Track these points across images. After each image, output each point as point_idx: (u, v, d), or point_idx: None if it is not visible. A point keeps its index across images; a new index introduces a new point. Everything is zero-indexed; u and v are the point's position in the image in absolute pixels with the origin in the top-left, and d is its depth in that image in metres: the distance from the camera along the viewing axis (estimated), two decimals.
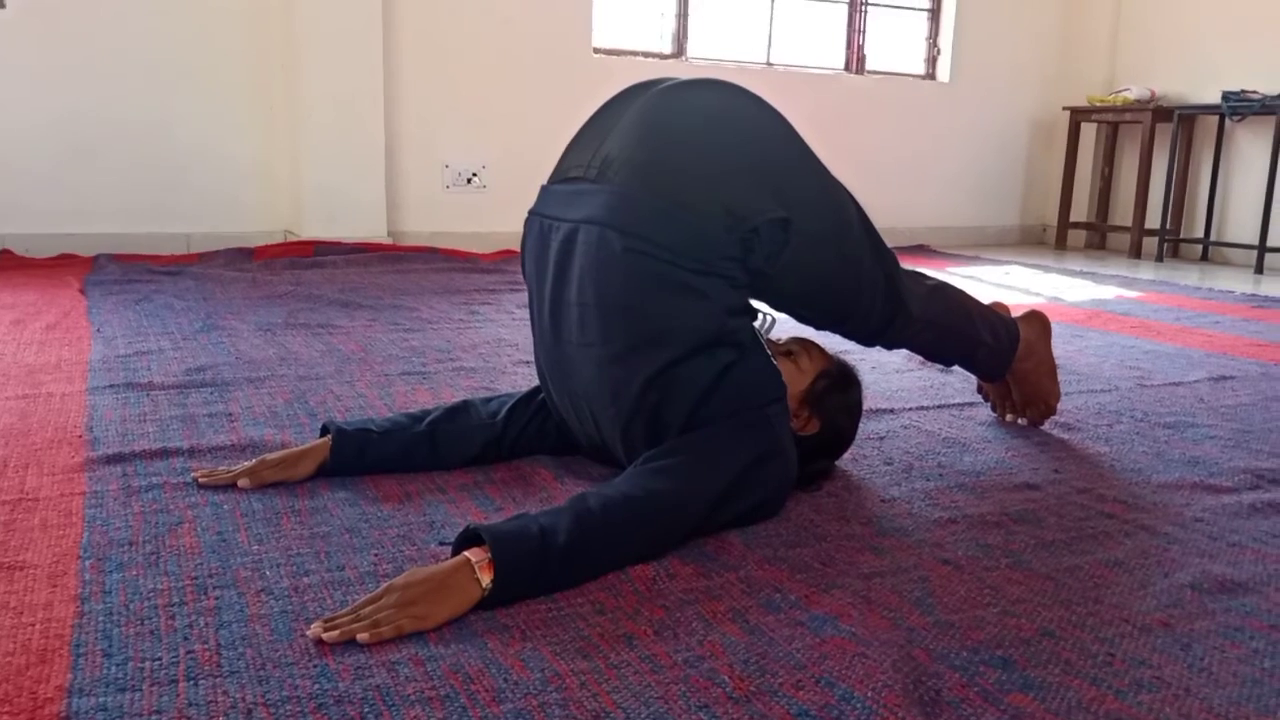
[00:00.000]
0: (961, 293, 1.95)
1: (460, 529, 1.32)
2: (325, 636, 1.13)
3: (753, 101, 1.63)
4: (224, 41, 4.60)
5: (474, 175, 5.10)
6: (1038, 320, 2.08)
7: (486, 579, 1.22)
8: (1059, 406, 2.17)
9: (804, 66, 5.97)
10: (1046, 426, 2.16)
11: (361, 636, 1.13)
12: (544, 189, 1.68)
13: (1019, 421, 2.18)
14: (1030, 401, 2.11)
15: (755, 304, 1.66)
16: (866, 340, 1.79)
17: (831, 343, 1.88)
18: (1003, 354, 2.00)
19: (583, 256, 1.53)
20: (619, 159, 1.53)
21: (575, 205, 1.56)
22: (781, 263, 1.54)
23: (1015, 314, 2.07)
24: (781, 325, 1.78)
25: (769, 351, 1.63)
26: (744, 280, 1.55)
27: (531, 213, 1.67)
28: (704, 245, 1.49)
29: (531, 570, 1.25)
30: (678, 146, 1.54)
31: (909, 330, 1.79)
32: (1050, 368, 2.10)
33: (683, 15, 5.64)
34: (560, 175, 1.65)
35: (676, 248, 1.48)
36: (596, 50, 5.35)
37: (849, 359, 1.85)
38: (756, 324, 1.65)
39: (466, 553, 1.24)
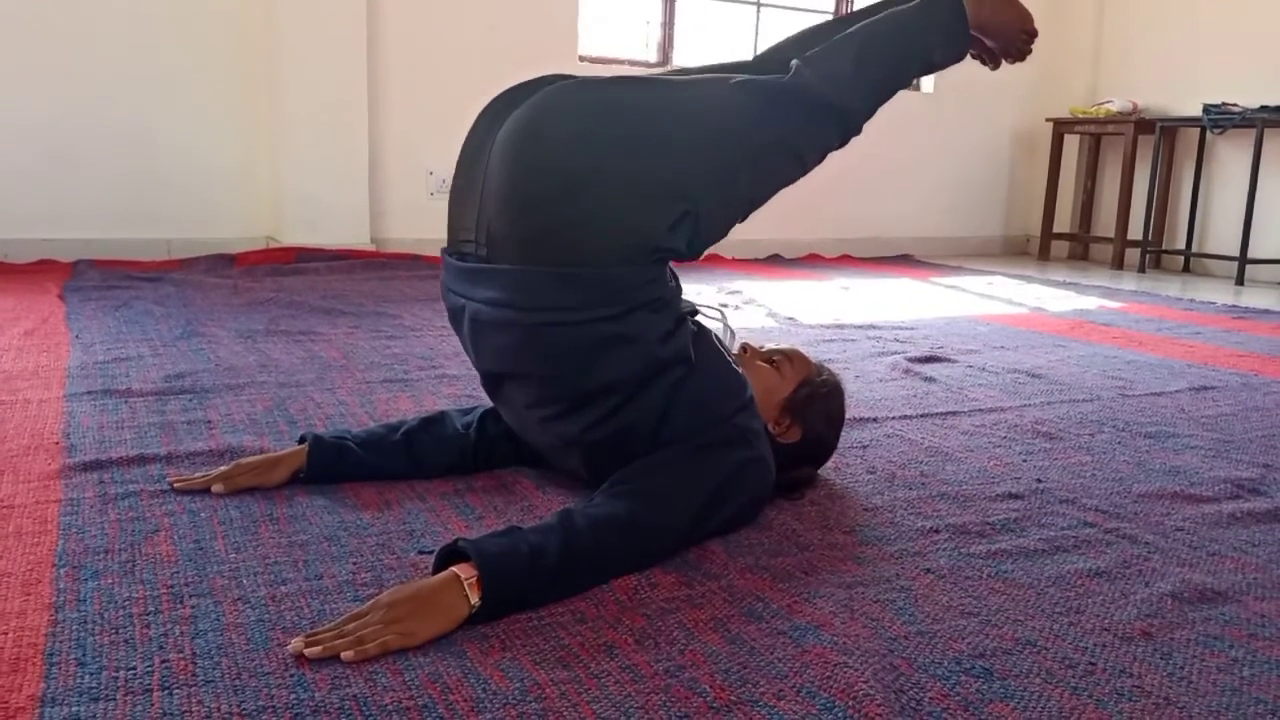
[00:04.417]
0: (886, 24, 1.74)
1: (440, 538, 1.31)
2: (307, 652, 1.12)
3: (610, 96, 1.55)
4: (207, 46, 4.58)
5: None
6: None
7: (475, 596, 1.20)
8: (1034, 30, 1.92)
9: None
10: (1030, 435, 2.16)
11: (346, 655, 1.11)
12: (444, 257, 1.62)
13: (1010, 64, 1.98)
14: (1007, 44, 1.88)
15: (711, 309, 1.66)
16: (841, 147, 1.70)
17: (813, 349, 1.88)
18: (958, 35, 1.78)
19: (494, 336, 1.52)
20: (500, 233, 1.49)
21: (475, 284, 1.53)
22: (707, 231, 1.53)
23: None
24: (766, 333, 1.77)
25: (730, 358, 1.63)
26: (673, 292, 1.54)
27: (442, 283, 1.63)
28: (614, 290, 1.46)
29: (520, 589, 1.24)
30: (555, 200, 1.46)
31: (864, 112, 1.68)
32: (1005, 2, 1.85)
33: (668, 24, 5.65)
34: (454, 245, 1.59)
35: (587, 305, 1.45)
36: (582, 58, 5.35)
37: (832, 367, 1.85)
38: (716, 328, 1.64)
39: (455, 569, 1.22)
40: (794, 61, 1.63)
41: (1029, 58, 1.93)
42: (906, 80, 1.75)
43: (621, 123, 1.52)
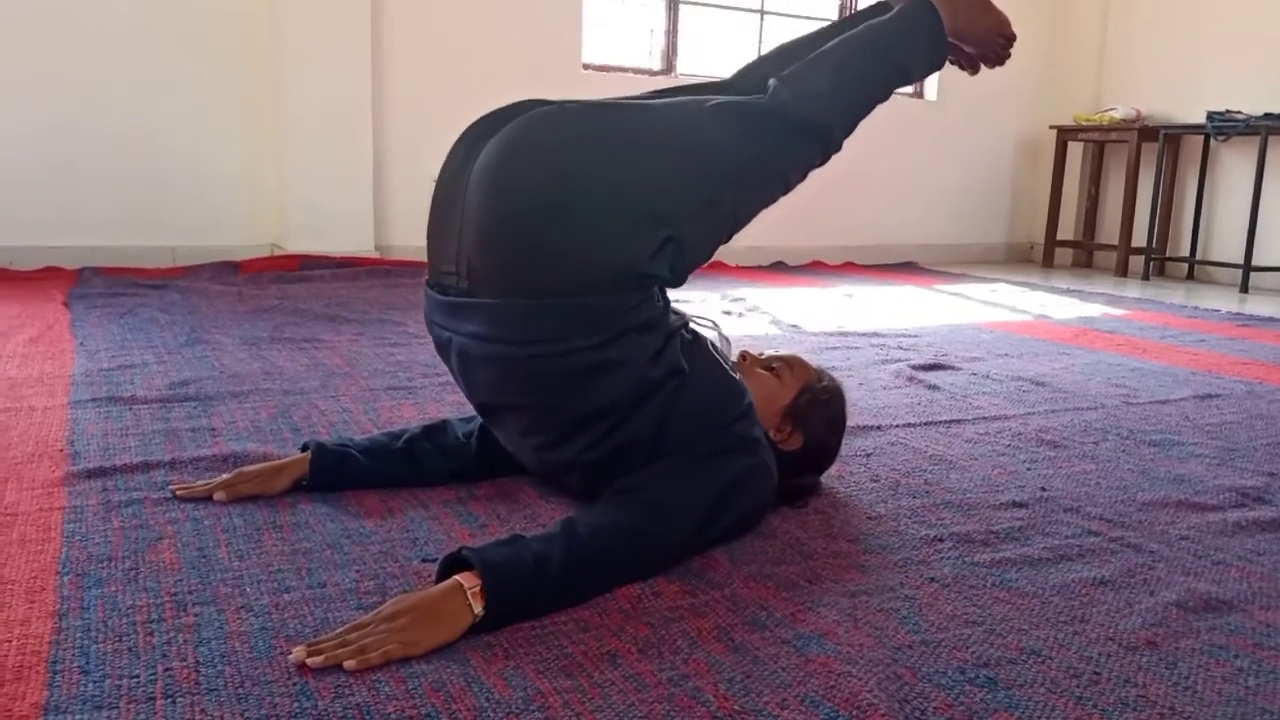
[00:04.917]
0: (863, 39, 1.70)
1: (443, 546, 1.31)
2: (309, 662, 1.12)
3: (588, 122, 1.53)
4: (211, 53, 4.59)
5: None
6: None
7: (479, 606, 1.20)
8: (1012, 38, 1.87)
9: None
10: (1034, 443, 2.16)
11: (349, 664, 1.11)
12: (426, 290, 1.61)
13: (991, 69, 1.95)
14: (985, 49, 1.85)
15: (704, 319, 1.65)
16: (823, 164, 1.69)
17: (816, 357, 1.88)
18: (935, 45, 1.75)
19: (482, 370, 1.52)
20: (480, 264, 1.47)
21: (459, 318, 1.52)
22: (691, 256, 1.52)
23: None
24: (770, 340, 1.77)
25: (727, 366, 1.62)
26: (661, 310, 1.53)
27: (425, 316, 1.63)
28: (596, 319, 1.45)
29: (524, 598, 1.24)
30: (535, 229, 1.44)
31: (844, 128, 1.67)
32: (981, 9, 1.82)
33: (672, 32, 5.66)
34: (435, 277, 1.58)
35: (570, 335, 1.44)
36: (586, 66, 5.36)
37: (835, 375, 1.84)
38: (711, 337, 1.64)
39: (458, 578, 1.22)
40: (771, 81, 1.62)
41: (1009, 62, 1.90)
42: (886, 94, 1.73)
43: (601, 150, 1.50)
